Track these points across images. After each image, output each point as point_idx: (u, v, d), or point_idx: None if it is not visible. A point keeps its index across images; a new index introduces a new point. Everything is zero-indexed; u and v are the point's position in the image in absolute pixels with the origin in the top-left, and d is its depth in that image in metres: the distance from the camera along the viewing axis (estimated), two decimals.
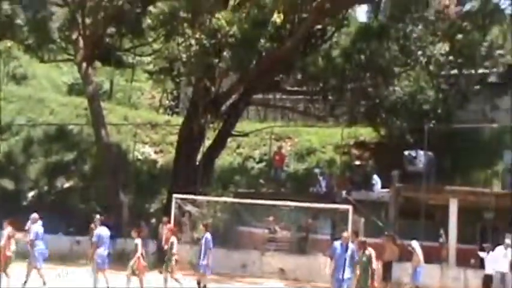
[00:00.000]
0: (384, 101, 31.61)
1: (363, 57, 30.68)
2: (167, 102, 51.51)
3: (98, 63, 39.47)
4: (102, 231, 21.26)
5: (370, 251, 19.53)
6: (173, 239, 22.45)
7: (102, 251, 20.93)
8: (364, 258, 19.36)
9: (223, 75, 30.63)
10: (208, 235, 21.96)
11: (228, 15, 28.64)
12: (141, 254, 20.87)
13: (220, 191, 33.68)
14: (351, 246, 18.93)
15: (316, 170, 33.63)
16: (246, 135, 36.35)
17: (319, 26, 32.61)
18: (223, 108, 33.27)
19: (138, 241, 20.90)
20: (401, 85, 31.77)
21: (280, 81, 34.08)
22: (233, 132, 34.79)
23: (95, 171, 37.02)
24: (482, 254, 25.63)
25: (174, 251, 22.25)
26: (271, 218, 29.54)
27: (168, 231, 25.06)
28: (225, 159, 37.51)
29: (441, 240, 28.09)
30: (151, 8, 32.86)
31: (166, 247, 23.24)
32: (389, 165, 31.67)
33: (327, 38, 33.39)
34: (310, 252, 28.87)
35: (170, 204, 28.67)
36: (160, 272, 23.85)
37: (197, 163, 32.54)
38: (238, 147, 39.14)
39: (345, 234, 19.52)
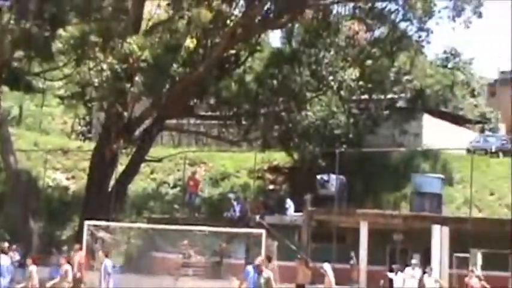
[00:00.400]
0: (297, 125, 31.99)
1: (275, 82, 31.05)
2: (79, 127, 50.82)
3: (5, 88, 38.49)
4: (1, 261, 20.11)
5: (268, 273, 19.58)
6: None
7: (2, 281, 19.96)
8: (262, 280, 19.36)
9: (135, 100, 30.43)
10: (107, 261, 21.62)
11: (140, 39, 28.54)
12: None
13: (134, 217, 33.40)
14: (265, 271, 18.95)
15: (230, 195, 33.69)
16: (159, 160, 36.15)
17: (232, 51, 32.85)
18: (137, 133, 33.02)
19: (33, 268, 20.43)
20: (313, 110, 32.24)
21: (194, 106, 34.08)
22: (147, 158, 34.54)
23: (4, 198, 36.08)
24: (390, 275, 26.15)
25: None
26: (185, 242, 29.37)
27: (80, 258, 24.65)
28: (139, 184, 37.20)
29: (352, 262, 28.51)
30: (61, 31, 32.33)
31: (78, 274, 22.82)
32: (302, 189, 32.06)
33: (240, 63, 33.66)
34: (225, 277, 28.79)
35: (82, 231, 28.15)
36: None
37: (110, 189, 32.13)
38: (152, 172, 38.92)
39: (258, 258, 19.52)
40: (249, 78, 32.93)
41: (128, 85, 28.67)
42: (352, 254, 28.60)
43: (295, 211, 31.36)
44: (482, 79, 71.41)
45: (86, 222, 27.97)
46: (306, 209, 30.16)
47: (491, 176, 34.46)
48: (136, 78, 28.37)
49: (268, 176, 36.63)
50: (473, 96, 61.15)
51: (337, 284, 26.58)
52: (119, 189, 32.47)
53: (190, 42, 30.82)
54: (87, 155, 36.46)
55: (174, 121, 37.67)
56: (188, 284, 28.16)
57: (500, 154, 38.33)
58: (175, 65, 29.33)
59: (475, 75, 65.30)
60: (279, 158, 37.10)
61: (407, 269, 25.66)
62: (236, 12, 32.16)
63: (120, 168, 32.87)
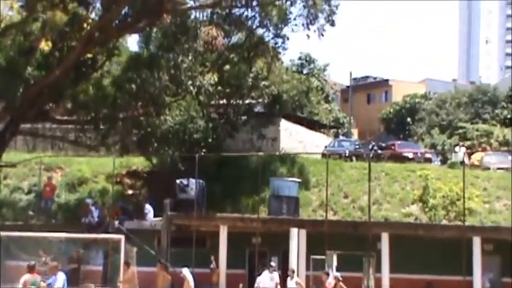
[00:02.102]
0: (156, 130, 31.81)
1: (134, 86, 30.70)
2: None
3: None
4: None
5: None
6: None
7: None
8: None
9: None
10: None
11: None
12: None
13: None
14: None
15: (88, 200, 33.06)
16: (13, 165, 34.90)
17: (89, 55, 32.22)
18: None
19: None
20: (172, 114, 32.20)
21: (50, 110, 33.17)
22: (0, 163, 33.31)
23: None
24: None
25: None
26: (41, 252, 28.51)
27: None
28: None
29: (212, 266, 28.69)
30: None
31: None
32: (161, 193, 31.92)
33: (97, 67, 33.02)
34: (83, 283, 28.28)
35: None
36: None
37: None
38: (5, 178, 37.52)
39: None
40: (107, 82, 32.38)
41: None
42: (212, 258, 28.78)
43: (155, 216, 31.24)
44: (336, 85, 73.85)
45: None
46: (166, 214, 30.06)
47: (346, 179, 35.63)
48: None
49: (127, 180, 36.23)
50: (327, 101, 63.14)
51: None
52: None
53: (45, 45, 29.97)
54: None
55: (28, 125, 36.54)
56: None
57: (354, 158, 39.70)
58: (29, 68, 28.49)
59: (328, 81, 67.40)
60: (138, 162, 36.80)
61: (265, 273, 26.12)
62: (93, 15, 31.62)
63: None
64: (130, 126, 32.18)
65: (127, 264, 27.04)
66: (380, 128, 72.60)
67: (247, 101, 35.40)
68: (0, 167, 33.92)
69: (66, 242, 28.21)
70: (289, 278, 26.06)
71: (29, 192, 36.27)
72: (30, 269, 19.37)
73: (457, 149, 41.24)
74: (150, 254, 28.62)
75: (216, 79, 32.40)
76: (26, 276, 18.97)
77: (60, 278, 20.75)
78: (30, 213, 33.87)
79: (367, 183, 29.52)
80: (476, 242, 27.04)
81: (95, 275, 29.28)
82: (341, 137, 53.49)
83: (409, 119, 67.92)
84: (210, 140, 33.39)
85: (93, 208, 31.75)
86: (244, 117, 35.32)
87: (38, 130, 39.04)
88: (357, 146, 44.11)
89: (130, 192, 34.62)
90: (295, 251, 28.06)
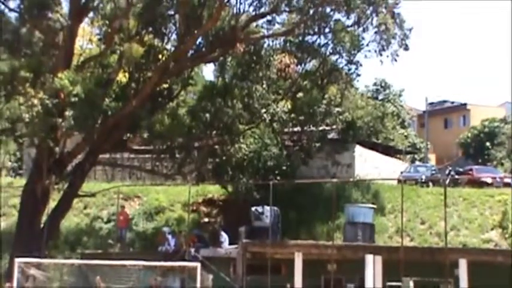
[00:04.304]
0: (231, 158, 32.15)
1: (208, 115, 31.15)
2: (10, 163, 49.93)
3: None
4: None
5: None
6: None
7: None
8: None
9: (66, 136, 30.13)
10: None
11: (71, 74, 28.38)
12: None
13: (67, 253, 32.86)
14: None
15: (165, 229, 33.56)
16: (93, 195, 35.74)
17: (165, 85, 32.92)
18: (69, 168, 32.67)
19: None
20: (246, 142, 32.50)
21: (127, 140, 33.92)
22: (79, 193, 34.14)
23: None
24: None
25: None
26: (97, 278, 28.89)
27: None
28: (72, 220, 36.75)
29: None
30: None
31: None
32: (237, 221, 32.17)
33: (173, 97, 33.70)
34: None
35: (13, 269, 27.64)
36: None
37: (42, 225, 31.66)
38: (85, 207, 38.50)
39: None
40: (182, 111, 32.96)
41: (59, 120, 28.42)
42: (288, 285, 28.71)
43: (230, 243, 31.42)
44: (412, 110, 73.09)
45: (17, 260, 27.53)
46: (241, 241, 30.22)
47: (422, 205, 35.18)
48: (67, 113, 28.16)
49: (203, 208, 36.63)
50: (403, 127, 62.53)
51: None
52: (51, 225, 31.95)
53: (122, 77, 30.78)
54: (17, 191, 35.81)
55: (107, 155, 37.39)
56: None
57: (430, 184, 39.14)
58: (107, 100, 29.24)
59: (404, 107, 66.78)
60: (214, 190, 37.17)
61: None
62: (168, 46, 32.33)
63: (52, 203, 32.42)
64: (206, 154, 32.61)
65: None
66: (458, 153, 71.33)
67: (320, 128, 35.39)
68: (81, 196, 34.82)
69: (144, 270, 28.62)
70: None
71: (108, 221, 37.10)
72: None
73: None
74: (226, 282, 28.76)
75: (290, 106, 32.62)
76: None
77: None
78: (110, 241, 34.53)
79: (443, 208, 29.05)
80: None
81: None
82: (417, 163, 52.82)
83: (488, 144, 66.54)
84: (284, 168, 33.51)
85: (169, 236, 32.21)
86: (318, 144, 35.31)
87: (116, 160, 39.94)
88: (434, 172, 43.46)
89: (206, 220, 34.98)
90: (371, 278, 27.72)
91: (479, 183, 39.11)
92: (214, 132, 31.96)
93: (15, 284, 26.70)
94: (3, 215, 38.66)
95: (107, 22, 30.17)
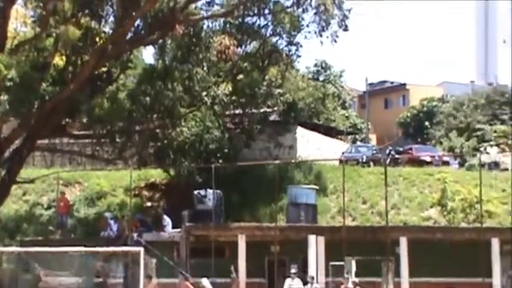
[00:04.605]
0: (172, 142, 31.91)
1: (148, 99, 30.80)
2: None
3: None
4: None
5: None
6: None
7: None
8: None
9: (2, 121, 29.48)
10: None
11: (5, 58, 27.66)
12: None
13: (7, 241, 32.29)
14: None
15: (107, 214, 33.25)
16: (31, 181, 35.05)
17: (104, 69, 32.38)
18: (6, 154, 31.99)
19: None
20: (188, 126, 32.28)
21: (66, 125, 33.34)
22: (18, 179, 33.50)
23: None
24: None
25: None
26: (40, 272, 28.53)
27: None
28: (11, 207, 36.04)
29: (232, 275, 28.60)
30: None
31: None
32: (179, 205, 32.01)
33: (112, 80, 33.17)
34: None
35: None
36: None
37: None
38: (24, 194, 37.85)
39: None
40: (122, 95, 32.47)
41: None
42: (232, 267, 28.71)
43: (173, 227, 31.28)
44: (353, 91, 73.73)
45: None
46: (184, 225, 30.13)
47: (363, 185, 35.55)
48: (2, 98, 27.49)
49: (145, 193, 36.36)
50: (344, 108, 63.05)
51: None
52: None
53: (59, 60, 30.15)
54: None
55: (46, 141, 36.76)
56: None
57: (371, 163, 39.55)
58: (44, 84, 28.61)
59: (345, 87, 67.29)
60: (156, 174, 36.92)
61: (287, 280, 26.13)
62: (106, 29, 31.79)
63: None
64: (147, 138, 32.30)
65: (149, 277, 27.12)
66: (398, 132, 72.33)
67: (262, 110, 35.40)
68: (19, 183, 34.17)
69: (85, 256, 28.31)
70: (308, 285, 26.02)
71: (49, 207, 36.54)
72: None
73: (488, 148, 40.81)
74: (169, 266, 28.65)
75: (231, 89, 32.46)
76: None
77: None
78: (51, 228, 34.05)
79: (384, 188, 29.43)
80: (495, 243, 26.81)
81: None
82: (358, 143, 53.32)
83: (426, 123, 67.64)
84: (226, 150, 33.44)
85: (111, 221, 31.92)
86: (259, 126, 35.32)
87: (56, 145, 39.26)
88: (375, 152, 43.94)
89: (148, 204, 34.74)
90: (314, 258, 27.99)
91: (418, 162, 39.72)
92: (155, 115, 31.62)
93: None
94: None
95: (41, 4, 29.46)
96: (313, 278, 26.25)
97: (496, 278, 26.47)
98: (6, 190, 32.58)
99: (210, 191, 30.91)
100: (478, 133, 51.72)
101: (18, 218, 35.97)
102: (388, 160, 35.96)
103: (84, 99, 30.61)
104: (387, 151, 42.59)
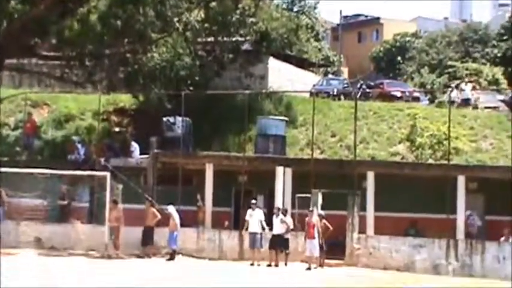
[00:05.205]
0: (142, 67, 31.54)
1: (119, 22, 30.24)
2: None
3: None
4: None
5: None
6: None
7: None
8: None
9: None
10: None
11: None
12: None
13: None
14: None
15: (74, 137, 33.09)
16: None
17: None
18: None
19: None
20: (159, 51, 31.83)
21: (35, 45, 32.74)
22: None
23: None
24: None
25: None
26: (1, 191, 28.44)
27: None
28: None
29: (198, 203, 28.80)
30: None
31: None
32: (148, 131, 31.88)
33: (83, 2, 32.47)
34: (69, 220, 28.52)
35: None
36: None
37: None
38: None
39: None
40: (93, 18, 31.86)
41: None
42: (198, 196, 28.87)
43: (141, 153, 31.25)
44: (326, 23, 73.16)
45: None
46: (152, 152, 30.06)
47: (333, 118, 35.58)
48: None
49: (114, 118, 36.06)
50: (317, 40, 62.53)
51: (183, 225, 27.03)
52: None
53: None
54: None
55: (14, 61, 36.13)
56: (30, 228, 27.63)
57: (342, 97, 39.52)
58: (13, 2, 27.99)
59: (319, 19, 66.65)
60: (125, 100, 36.58)
61: (248, 210, 26.36)
62: None
63: None
64: (117, 63, 31.89)
65: (115, 202, 27.21)
66: (370, 67, 72.26)
67: (234, 39, 35.00)
68: None
69: (51, 179, 28.24)
70: (274, 216, 26.24)
71: (16, 128, 36.08)
72: None
73: (463, 85, 40.89)
74: (136, 192, 28.66)
75: (203, 16, 31.92)
76: None
77: None
78: (17, 149, 33.75)
79: (354, 122, 29.48)
80: (461, 180, 27.13)
81: (81, 212, 29.42)
82: (330, 76, 53.17)
83: (399, 58, 67.61)
84: (197, 78, 33.16)
85: (79, 145, 31.83)
86: (231, 55, 34.98)
87: (24, 66, 38.57)
88: (346, 85, 43.84)
89: (117, 129, 34.50)
90: (281, 190, 28.16)
91: (389, 97, 39.74)
92: (125, 40, 31.15)
93: None
94: None
95: None
96: (279, 209, 26.37)
97: (461, 216, 26.86)
98: None
99: (179, 118, 30.79)
100: (450, 70, 51.78)
101: None
102: (359, 94, 35.92)
103: (54, 19, 30.02)
104: (358, 85, 42.56)
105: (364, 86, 42.06)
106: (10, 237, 27.39)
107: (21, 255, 25.46)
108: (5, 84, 39.29)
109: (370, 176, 27.94)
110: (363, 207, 27.53)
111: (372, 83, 45.49)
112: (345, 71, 68.25)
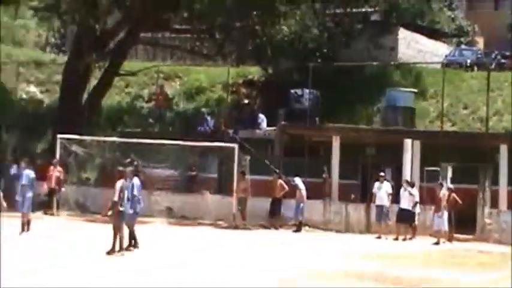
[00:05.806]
0: (271, 39, 31.75)
1: None
2: (53, 40, 50.02)
3: None
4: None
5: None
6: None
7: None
8: None
9: (106, 13, 29.95)
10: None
11: None
12: None
13: (109, 131, 33.29)
14: None
15: (204, 109, 33.74)
16: (134, 74, 35.92)
17: None
18: (110, 47, 32.67)
19: None
20: (287, 24, 31.92)
21: (168, 19, 33.59)
22: (121, 72, 34.31)
23: None
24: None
25: None
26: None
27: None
28: (113, 98, 37.00)
29: (324, 176, 28.74)
30: None
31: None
32: (276, 103, 32.08)
33: None
34: (198, 191, 29.15)
35: (55, 145, 28.24)
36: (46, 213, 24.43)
37: (83, 103, 32.05)
38: (127, 86, 38.68)
39: None
40: None
41: None
42: (325, 168, 28.80)
43: (269, 125, 31.45)
44: None
45: (59, 136, 28.07)
46: (279, 123, 30.21)
47: (466, 90, 34.53)
48: None
49: (243, 90, 36.51)
50: (451, 9, 60.67)
51: (309, 197, 27.09)
52: (93, 103, 32.42)
53: None
54: (61, 68, 35.97)
55: (149, 35, 37.26)
56: (162, 197, 28.39)
57: (475, 68, 38.28)
58: None
59: None
60: (254, 72, 36.94)
61: (376, 183, 26.05)
62: None
63: (94, 82, 32.68)
64: (246, 35, 32.22)
65: (243, 173, 27.58)
66: (508, 36, 69.46)
67: (363, 10, 34.55)
68: (122, 75, 34.98)
69: (182, 150, 28.89)
70: (402, 189, 25.84)
71: (149, 100, 37.21)
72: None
73: None
74: (263, 163, 28.94)
75: None
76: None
77: None
78: (150, 121, 34.73)
79: (487, 93, 28.53)
80: None
81: (209, 182, 30.01)
82: (463, 46, 51.56)
83: None
84: (325, 50, 33.05)
85: (208, 117, 32.39)
86: (360, 26, 34.58)
87: (158, 40, 39.71)
88: (479, 55, 42.38)
89: (245, 101, 34.89)
90: (409, 163, 27.62)
91: None
92: (254, 12, 31.41)
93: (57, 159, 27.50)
94: (46, 92, 39.11)
95: None
96: (407, 182, 25.85)
97: None
98: (109, 81, 33.60)
99: (306, 90, 30.78)
100: None
101: (120, 109, 36.90)
102: (494, 64, 34.68)
103: None
104: (493, 55, 41.02)
105: (499, 56, 40.53)
106: (143, 206, 28.23)
107: (153, 225, 26.21)
108: (139, 57, 40.64)
109: (503, 149, 26.92)
110: (495, 182, 26.64)
111: (508, 53, 43.77)
112: (480, 41, 65.94)
